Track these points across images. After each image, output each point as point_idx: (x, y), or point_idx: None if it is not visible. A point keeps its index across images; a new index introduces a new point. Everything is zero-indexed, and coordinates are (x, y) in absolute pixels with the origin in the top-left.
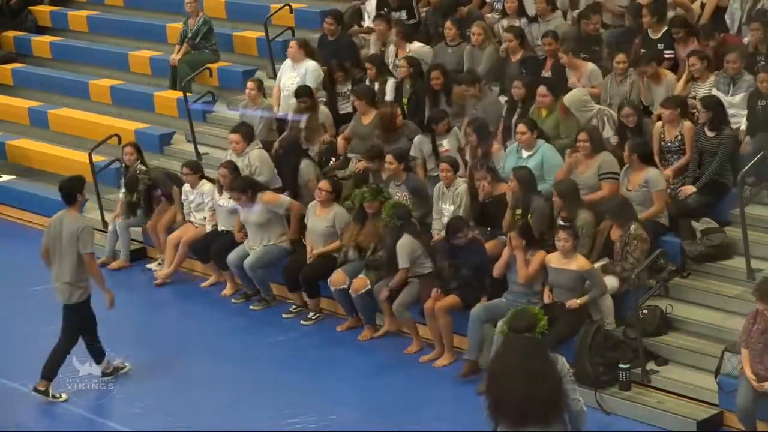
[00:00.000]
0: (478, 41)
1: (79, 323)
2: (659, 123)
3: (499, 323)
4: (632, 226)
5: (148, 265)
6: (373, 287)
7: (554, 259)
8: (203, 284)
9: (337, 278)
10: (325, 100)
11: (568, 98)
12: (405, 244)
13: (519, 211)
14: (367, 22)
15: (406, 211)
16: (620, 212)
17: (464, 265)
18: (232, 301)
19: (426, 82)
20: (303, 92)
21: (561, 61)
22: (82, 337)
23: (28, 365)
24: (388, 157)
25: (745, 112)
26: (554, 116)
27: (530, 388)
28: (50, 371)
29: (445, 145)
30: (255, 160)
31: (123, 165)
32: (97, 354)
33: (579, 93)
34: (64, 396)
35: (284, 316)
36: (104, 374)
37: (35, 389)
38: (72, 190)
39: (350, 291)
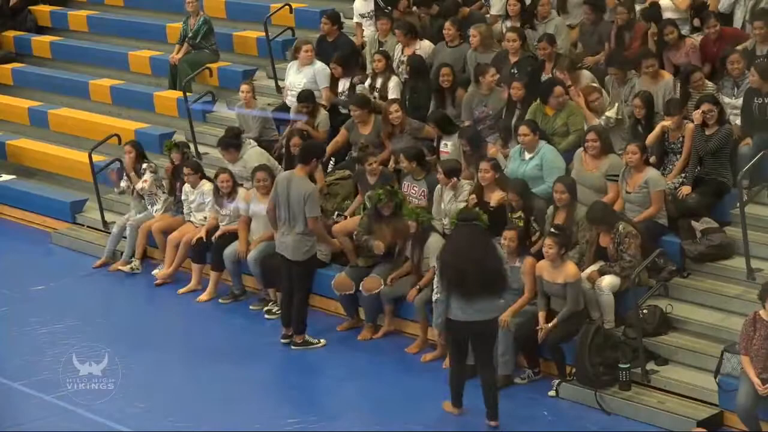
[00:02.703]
0: (475, 44)
1: (311, 275)
2: (659, 126)
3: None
4: (619, 225)
5: (154, 272)
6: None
7: (545, 270)
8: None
9: (343, 283)
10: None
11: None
12: (435, 243)
13: (519, 214)
14: (356, 18)
15: (426, 213)
16: (603, 218)
17: None
18: (219, 301)
19: (434, 81)
20: (305, 97)
21: (559, 75)
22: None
23: (28, 365)
24: (400, 157)
25: None
26: (565, 113)
27: (481, 267)
28: (299, 326)
29: (449, 146)
30: (252, 161)
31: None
32: (290, 317)
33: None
34: (322, 341)
35: (265, 313)
36: (294, 344)
37: (294, 344)
38: (311, 152)
39: (362, 290)
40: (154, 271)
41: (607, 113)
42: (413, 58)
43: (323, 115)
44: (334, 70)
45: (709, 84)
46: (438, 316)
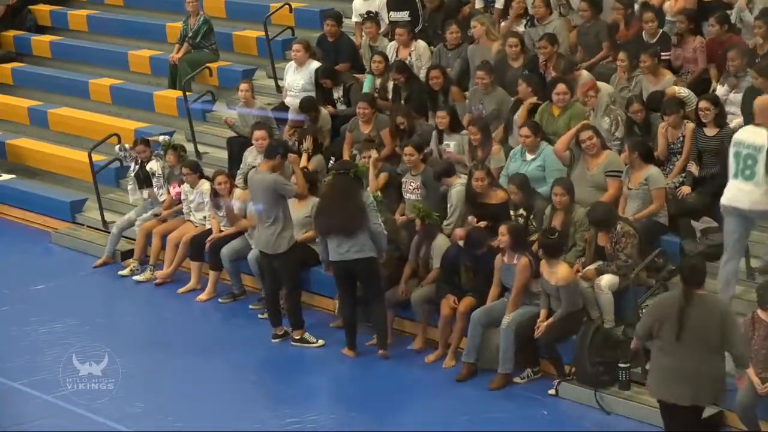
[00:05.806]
0: (478, 34)
1: (294, 266)
2: (663, 124)
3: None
4: (617, 225)
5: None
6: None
7: (545, 269)
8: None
9: None
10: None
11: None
12: (441, 244)
13: (521, 212)
14: (355, 18)
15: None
16: (605, 219)
17: (480, 271)
18: (219, 301)
19: (425, 83)
20: (309, 106)
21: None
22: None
23: (28, 365)
24: (408, 149)
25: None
26: (567, 114)
27: (343, 209)
28: (296, 321)
29: (451, 147)
30: None
31: (137, 162)
32: (277, 317)
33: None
34: (320, 341)
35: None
36: (293, 340)
37: (292, 339)
38: (276, 148)
39: None
40: (144, 274)
41: (620, 135)
42: (396, 63)
43: (324, 114)
44: (324, 84)
45: (684, 92)
46: (321, 255)
